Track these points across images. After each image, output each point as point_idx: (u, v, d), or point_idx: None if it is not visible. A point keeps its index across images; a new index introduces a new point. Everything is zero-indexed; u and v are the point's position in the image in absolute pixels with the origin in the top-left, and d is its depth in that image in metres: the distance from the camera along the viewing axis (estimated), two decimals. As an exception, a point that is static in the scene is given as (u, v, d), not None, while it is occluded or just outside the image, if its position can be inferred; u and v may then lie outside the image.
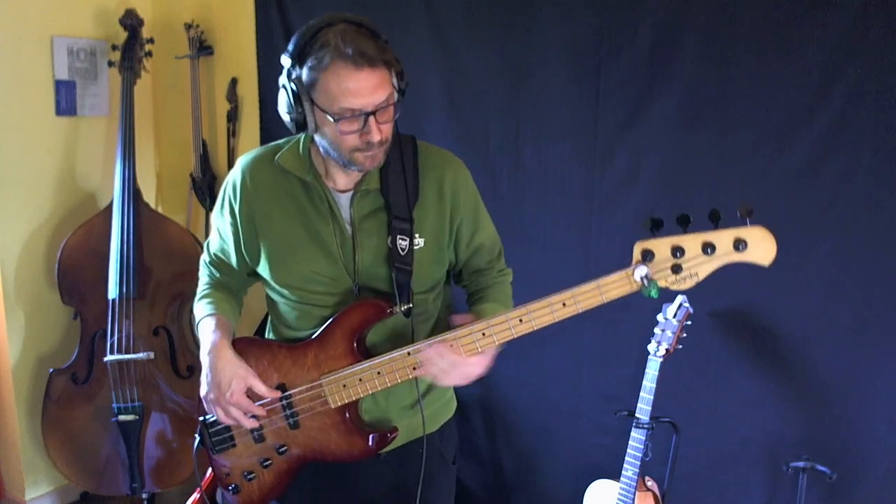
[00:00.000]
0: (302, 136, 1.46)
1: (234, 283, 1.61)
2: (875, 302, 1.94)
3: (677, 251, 1.21)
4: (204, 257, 1.63)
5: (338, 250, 1.44)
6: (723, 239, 1.20)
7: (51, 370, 2.74)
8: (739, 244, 1.19)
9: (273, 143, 1.50)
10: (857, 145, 1.90)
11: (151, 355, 2.67)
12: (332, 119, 1.30)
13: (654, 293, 1.23)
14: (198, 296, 1.58)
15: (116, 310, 2.65)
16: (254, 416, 1.46)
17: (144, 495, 2.78)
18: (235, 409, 1.43)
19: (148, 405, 2.72)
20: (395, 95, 1.34)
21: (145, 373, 2.71)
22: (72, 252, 2.72)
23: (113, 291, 2.65)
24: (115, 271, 2.65)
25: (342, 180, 1.44)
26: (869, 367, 1.96)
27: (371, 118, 1.29)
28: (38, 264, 2.87)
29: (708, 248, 1.20)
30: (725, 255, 1.20)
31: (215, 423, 1.53)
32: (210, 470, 1.60)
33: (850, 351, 1.98)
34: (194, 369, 2.76)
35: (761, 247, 1.19)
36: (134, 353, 2.65)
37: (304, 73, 1.29)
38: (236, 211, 1.48)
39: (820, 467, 1.96)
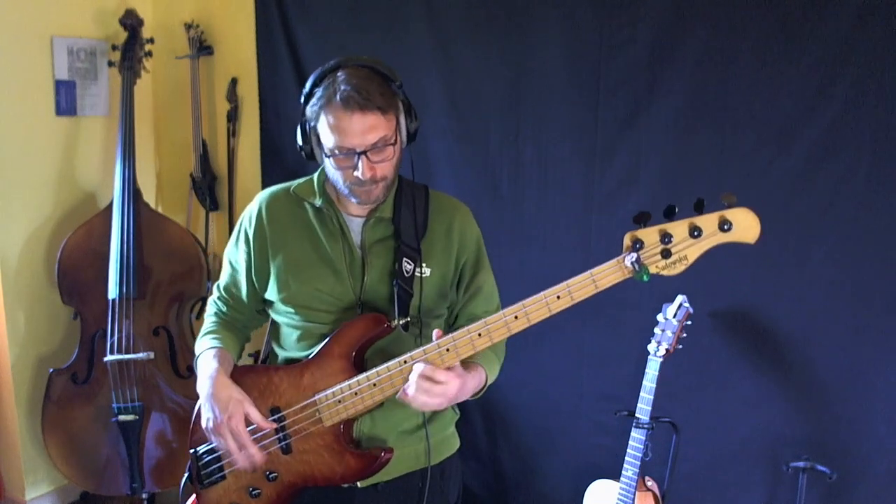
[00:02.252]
0: (319, 171, 1.54)
1: (241, 318, 1.64)
2: (875, 302, 1.94)
3: (666, 237, 1.26)
4: (212, 297, 1.67)
5: (346, 269, 1.47)
6: (708, 221, 1.25)
7: (51, 370, 2.74)
8: (725, 224, 1.23)
9: (290, 182, 1.58)
10: (857, 145, 1.90)
11: (151, 355, 2.67)
12: (325, 155, 1.40)
13: (645, 277, 1.27)
14: (201, 333, 1.61)
15: (116, 310, 2.65)
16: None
17: (144, 495, 2.78)
18: (233, 438, 1.43)
19: (148, 405, 2.72)
20: (397, 138, 1.40)
21: (145, 373, 2.71)
22: (72, 252, 2.73)
23: (113, 291, 2.65)
24: (115, 271, 2.65)
25: (355, 207, 1.50)
26: (869, 367, 1.96)
27: (363, 157, 1.36)
28: (38, 264, 2.87)
29: (695, 232, 1.24)
30: (712, 236, 1.25)
31: (205, 454, 1.53)
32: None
33: (850, 351, 1.98)
34: (194, 370, 2.76)
35: (746, 225, 1.24)
36: (134, 353, 2.65)
37: (308, 110, 1.40)
38: (250, 237, 1.54)
39: (820, 467, 1.96)
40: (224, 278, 1.63)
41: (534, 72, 2.32)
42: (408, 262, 1.46)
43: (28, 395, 2.88)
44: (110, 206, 2.73)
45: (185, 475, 1.57)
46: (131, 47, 2.82)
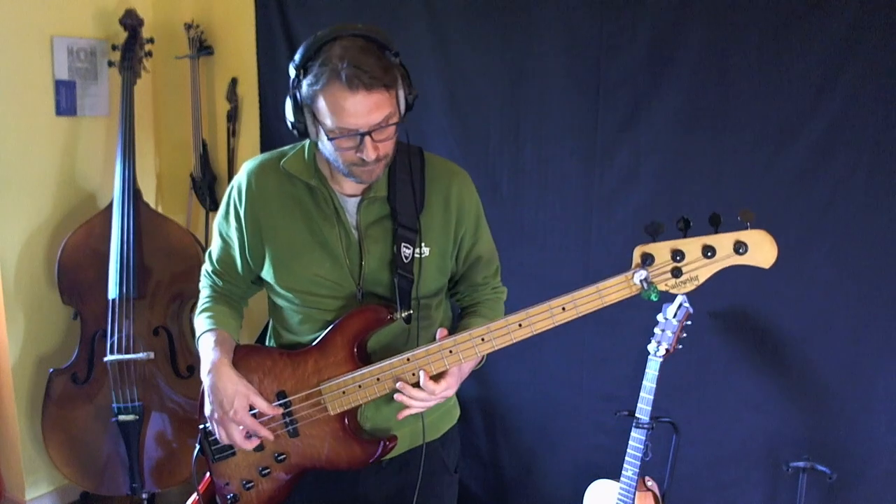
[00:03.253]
0: (307, 141, 1.47)
1: (236, 291, 1.61)
2: (875, 302, 1.94)
3: (677, 255, 1.22)
4: (206, 267, 1.62)
5: (343, 254, 1.44)
6: (723, 242, 1.21)
7: (51, 370, 2.74)
8: (740, 247, 1.20)
9: (278, 150, 1.51)
10: (857, 145, 1.90)
11: (151, 355, 2.67)
12: (327, 137, 1.32)
13: (653, 297, 1.24)
14: (198, 309, 1.58)
15: (116, 310, 2.65)
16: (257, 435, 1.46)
17: (144, 495, 2.78)
18: (237, 429, 1.43)
19: (148, 405, 2.72)
20: (398, 113, 1.34)
21: (145, 373, 2.71)
22: (72, 252, 2.73)
23: (113, 291, 2.65)
24: (115, 271, 2.65)
25: (349, 186, 1.45)
26: (869, 367, 1.96)
27: (367, 138, 1.29)
28: (38, 264, 2.87)
29: (708, 252, 1.21)
30: (726, 258, 1.21)
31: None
32: (208, 474, 1.60)
33: (850, 351, 1.98)
34: (194, 369, 2.76)
35: (762, 249, 1.20)
36: (134, 353, 2.65)
37: (304, 87, 1.30)
38: (241, 215, 1.49)
39: (820, 467, 1.96)
40: (216, 250, 1.58)
41: (534, 72, 2.32)
42: (406, 247, 1.42)
43: (28, 395, 2.88)
44: (110, 206, 2.73)
45: (196, 448, 1.57)
46: (131, 47, 2.81)
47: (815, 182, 1.97)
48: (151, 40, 2.92)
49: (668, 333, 2.00)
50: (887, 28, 1.83)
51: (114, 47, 2.88)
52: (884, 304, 1.93)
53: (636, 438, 2.05)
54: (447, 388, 1.38)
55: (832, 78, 1.91)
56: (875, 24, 1.84)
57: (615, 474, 2.13)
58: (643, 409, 2.03)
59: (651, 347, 2.02)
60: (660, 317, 2.03)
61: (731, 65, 2.03)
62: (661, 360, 2.00)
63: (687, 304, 2.01)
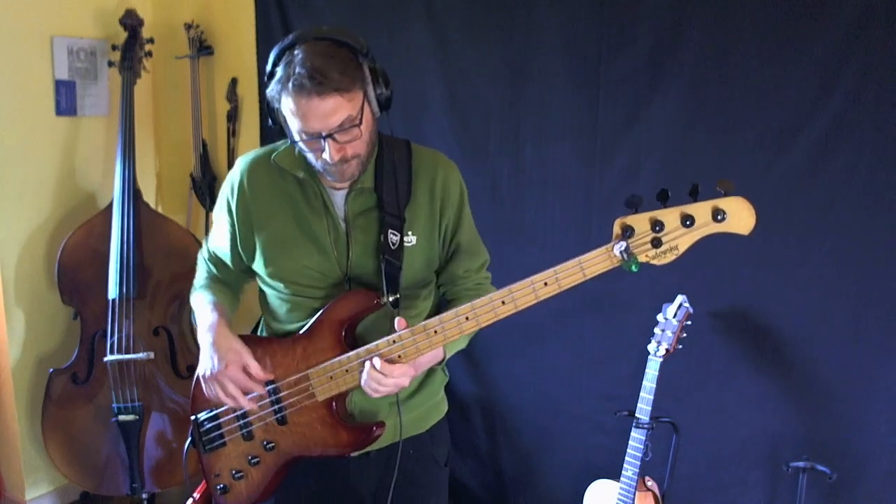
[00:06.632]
0: None
1: (230, 280, 1.64)
2: (875, 301, 1.94)
3: (657, 225, 1.22)
4: (202, 252, 1.66)
5: (331, 245, 1.46)
6: (701, 210, 1.20)
7: (51, 370, 2.74)
8: (718, 214, 1.19)
9: (271, 145, 1.54)
10: (857, 145, 1.90)
11: (151, 355, 2.67)
12: (292, 140, 1.36)
13: (634, 268, 1.24)
14: (195, 287, 1.61)
15: (116, 310, 2.65)
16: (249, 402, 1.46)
17: (144, 495, 2.78)
18: (232, 384, 1.43)
19: (148, 405, 2.72)
20: (361, 115, 1.34)
21: (145, 373, 2.71)
22: (72, 252, 2.73)
23: (113, 291, 2.65)
24: (115, 271, 2.65)
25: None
26: (869, 367, 1.96)
27: (329, 140, 1.32)
28: (38, 264, 2.87)
29: (687, 221, 1.20)
30: (705, 226, 1.20)
31: (206, 421, 1.55)
32: (203, 482, 1.61)
33: (850, 351, 1.98)
34: (194, 369, 2.74)
35: (740, 216, 1.19)
36: (134, 353, 2.65)
37: (269, 93, 1.35)
38: (233, 209, 1.52)
39: (820, 467, 1.96)
40: (212, 239, 1.61)
41: (534, 72, 2.32)
42: (393, 234, 1.44)
43: (28, 395, 2.88)
44: (110, 206, 2.73)
45: (188, 440, 1.59)
46: (131, 47, 2.82)
47: (815, 182, 1.97)
48: (151, 40, 2.92)
49: (668, 333, 2.00)
50: (887, 28, 1.83)
51: (114, 47, 2.88)
52: (884, 304, 1.93)
53: (636, 438, 2.05)
54: (403, 374, 1.37)
55: (832, 78, 1.91)
56: (875, 24, 1.84)
57: (615, 474, 2.13)
58: (643, 409, 2.03)
59: (651, 347, 2.02)
60: (660, 317, 2.03)
61: (731, 65, 2.03)
62: (661, 360, 2.00)
63: (687, 304, 2.01)
